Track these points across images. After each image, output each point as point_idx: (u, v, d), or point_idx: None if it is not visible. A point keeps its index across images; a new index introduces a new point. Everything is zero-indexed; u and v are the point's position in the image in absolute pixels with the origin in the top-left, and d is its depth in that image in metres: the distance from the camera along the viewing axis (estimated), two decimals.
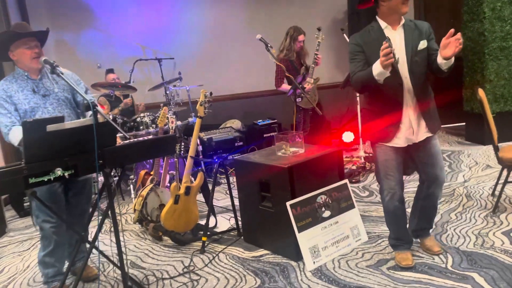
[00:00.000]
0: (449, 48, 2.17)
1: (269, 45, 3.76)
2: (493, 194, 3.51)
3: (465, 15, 5.16)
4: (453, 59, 2.25)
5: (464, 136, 5.50)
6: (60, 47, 5.63)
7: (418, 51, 2.35)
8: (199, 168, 4.80)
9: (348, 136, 5.64)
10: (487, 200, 3.45)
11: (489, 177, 3.99)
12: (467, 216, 3.19)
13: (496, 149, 3.19)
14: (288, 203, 2.67)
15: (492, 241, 2.76)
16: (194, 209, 3.29)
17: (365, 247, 2.87)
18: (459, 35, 2.16)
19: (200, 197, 3.79)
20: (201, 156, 4.79)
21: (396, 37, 2.34)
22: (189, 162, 3.21)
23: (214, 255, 2.99)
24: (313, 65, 4.45)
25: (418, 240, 2.79)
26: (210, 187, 3.36)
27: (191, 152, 3.21)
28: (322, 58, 4.55)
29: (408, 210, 2.76)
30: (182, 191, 3.20)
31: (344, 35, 4.97)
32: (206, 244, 3.11)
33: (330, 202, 2.87)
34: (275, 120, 5.57)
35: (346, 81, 5.17)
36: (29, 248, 3.48)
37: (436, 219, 3.16)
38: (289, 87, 4.37)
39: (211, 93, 3.27)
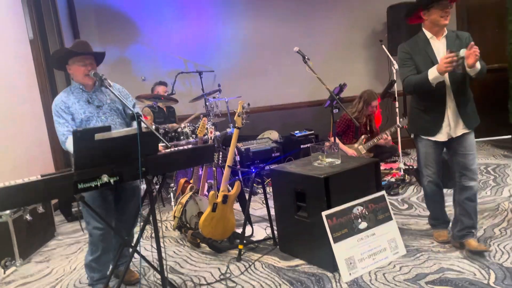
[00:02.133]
0: (470, 58, 2.50)
1: (306, 57, 3.81)
2: None
3: (510, 25, 5.00)
4: (478, 66, 2.57)
5: (510, 149, 5.28)
6: (109, 61, 5.93)
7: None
8: (237, 178, 4.89)
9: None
10: None
11: None
12: None
13: None
14: (323, 213, 2.68)
15: None
16: (231, 218, 3.36)
17: (403, 261, 2.82)
18: (474, 47, 2.49)
19: (237, 206, 3.86)
20: (238, 166, 4.88)
21: (440, 46, 2.73)
22: (226, 171, 3.29)
23: (250, 263, 3.03)
24: (375, 140, 4.52)
25: (465, 244, 2.86)
26: (247, 196, 3.42)
27: (229, 162, 3.29)
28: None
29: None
30: (219, 199, 3.28)
31: (383, 46, 4.94)
32: (242, 252, 3.16)
33: (366, 213, 2.85)
34: (312, 131, 5.58)
35: (385, 92, 5.13)
36: (76, 252, 3.66)
37: (479, 234, 3.07)
38: (345, 147, 4.49)
39: (248, 104, 3.35)
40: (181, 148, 2.51)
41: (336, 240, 2.68)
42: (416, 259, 2.83)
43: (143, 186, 3.99)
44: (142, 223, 2.56)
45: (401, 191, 4.28)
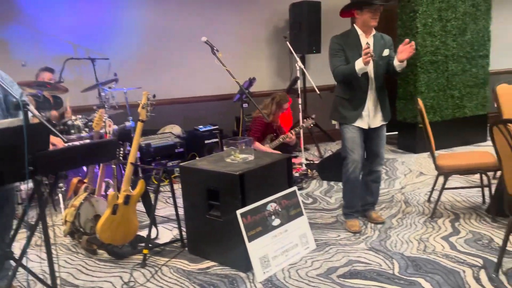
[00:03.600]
0: (404, 53, 2.82)
1: (215, 48, 3.65)
2: (429, 200, 3.67)
3: (399, 29, 5.43)
4: (405, 62, 2.92)
5: (397, 145, 5.76)
6: None
7: (382, 56, 3.01)
8: (139, 176, 4.53)
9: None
10: (424, 206, 3.60)
11: (423, 184, 4.18)
12: (408, 221, 3.30)
13: (434, 157, 3.34)
14: (238, 212, 2.56)
15: (433, 246, 2.85)
16: (133, 220, 3.05)
17: (313, 255, 2.84)
18: (413, 43, 2.81)
19: (139, 206, 3.55)
20: (139, 163, 4.53)
21: (368, 43, 2.99)
22: (129, 169, 2.98)
23: (157, 268, 2.78)
24: (280, 139, 4.47)
25: (366, 215, 3.33)
26: (152, 195, 3.15)
27: (132, 159, 2.99)
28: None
29: None
30: (121, 200, 2.96)
31: (287, 43, 5.00)
32: (147, 257, 2.89)
33: (279, 210, 2.80)
34: (217, 126, 5.44)
35: (290, 88, 5.21)
36: None
37: (379, 225, 3.24)
38: (262, 146, 4.41)
39: (154, 96, 3.08)
40: (78, 143, 2.17)
41: (250, 238, 2.58)
42: (326, 253, 2.87)
43: (24, 187, 3.46)
44: (24, 231, 2.16)
45: (305, 186, 4.37)
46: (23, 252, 2.08)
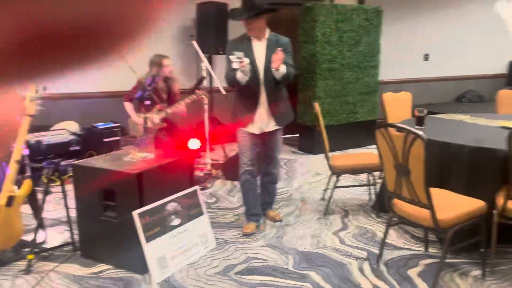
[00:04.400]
0: (274, 62, 2.83)
1: None
2: (323, 199, 3.92)
3: (301, 37, 5.71)
4: (282, 70, 2.88)
5: (297, 146, 6.05)
6: None
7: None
8: (25, 175, 4.15)
9: (194, 143, 5.62)
10: (318, 203, 3.83)
11: (319, 183, 4.45)
12: (303, 218, 3.48)
13: (327, 158, 3.57)
14: (135, 212, 2.48)
15: (325, 241, 3.05)
16: (17, 223, 2.79)
17: (213, 254, 2.86)
18: (279, 53, 2.81)
19: (26, 208, 3.26)
20: (27, 161, 4.14)
21: (260, 48, 2.96)
22: (13, 168, 2.71)
23: (43, 275, 2.58)
24: (169, 110, 4.19)
25: (265, 213, 3.40)
26: (40, 196, 2.91)
27: (16, 156, 2.73)
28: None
29: None
30: (2, 202, 2.68)
31: (193, 42, 4.97)
32: (32, 263, 2.67)
33: (180, 209, 2.77)
34: (119, 124, 5.20)
35: (195, 88, 5.17)
36: None
37: (277, 223, 3.37)
38: (132, 111, 4.18)
39: (44, 88, 2.85)
40: None
41: (148, 239, 2.52)
42: (225, 251, 2.91)
43: None
44: None
45: (209, 185, 4.38)
46: None
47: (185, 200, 2.82)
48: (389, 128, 2.32)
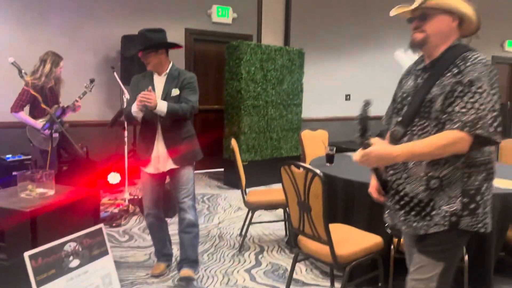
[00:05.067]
0: (137, 101, 2.67)
1: (23, 71, 3.33)
2: (240, 234, 3.90)
3: (227, 73, 5.84)
4: (159, 109, 2.68)
5: (223, 181, 6.04)
6: None
7: (171, 97, 2.81)
8: None
9: (114, 177, 5.42)
10: (235, 240, 3.80)
11: (239, 218, 4.44)
12: (218, 256, 3.43)
13: (244, 193, 3.59)
14: (26, 254, 2.29)
15: (236, 279, 3.02)
16: None
17: None
18: (144, 93, 2.63)
19: None
20: None
21: (159, 82, 2.86)
22: None
23: None
24: (70, 112, 4.08)
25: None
26: None
27: None
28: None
29: None
30: None
31: (115, 73, 4.87)
32: None
33: (80, 249, 2.61)
34: (30, 157, 4.87)
35: (115, 120, 5.04)
36: None
37: None
38: (29, 118, 3.94)
39: None
40: None
41: (40, 283, 2.32)
42: None
43: None
44: None
45: (124, 222, 4.20)
46: None
47: (87, 239, 2.66)
48: (292, 165, 2.39)
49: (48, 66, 3.99)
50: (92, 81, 4.23)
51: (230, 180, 5.90)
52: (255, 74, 5.70)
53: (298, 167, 2.32)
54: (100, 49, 5.82)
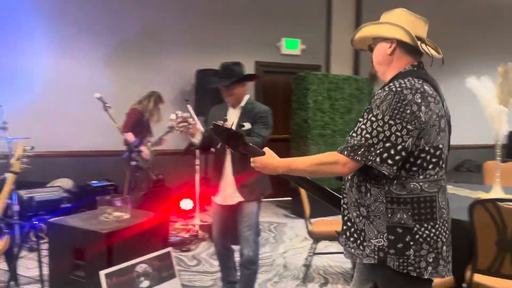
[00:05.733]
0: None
1: (107, 104, 3.70)
2: (305, 265, 3.87)
3: (294, 104, 5.94)
4: (194, 139, 2.81)
5: (290, 210, 6.04)
6: None
7: (242, 130, 2.70)
8: (14, 231, 4.20)
9: (186, 204, 5.68)
10: (300, 270, 3.77)
11: (305, 248, 4.40)
12: (281, 285, 3.43)
13: (308, 223, 3.58)
14: (102, 272, 2.49)
15: None
16: None
17: None
18: (180, 122, 2.71)
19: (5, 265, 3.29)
20: (16, 217, 4.22)
21: (234, 115, 2.91)
22: None
23: None
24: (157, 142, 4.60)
25: None
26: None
27: None
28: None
29: None
30: None
31: (188, 105, 5.19)
32: None
33: (150, 271, 2.77)
34: (112, 183, 5.31)
35: (187, 149, 5.32)
36: None
37: None
38: (133, 138, 4.36)
39: (32, 147, 2.99)
40: None
41: None
42: None
43: None
44: None
45: (193, 247, 4.37)
46: None
47: (156, 261, 2.83)
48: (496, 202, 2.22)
49: (151, 104, 4.68)
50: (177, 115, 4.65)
51: (297, 209, 5.87)
52: (322, 103, 5.73)
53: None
54: (176, 83, 6.25)
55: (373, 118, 1.51)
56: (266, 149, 1.74)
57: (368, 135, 1.51)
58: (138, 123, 4.55)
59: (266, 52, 6.70)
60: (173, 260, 2.97)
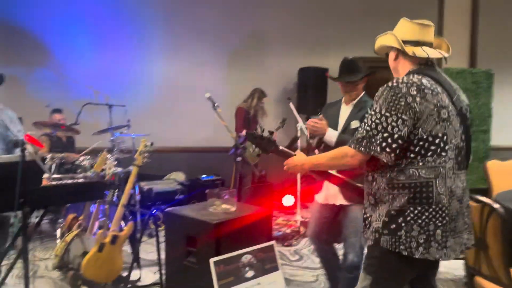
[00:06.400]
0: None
1: (216, 104, 3.93)
2: None
3: None
4: (327, 139, 2.70)
5: None
6: (8, 82, 5.54)
7: (350, 128, 2.70)
8: (137, 218, 4.71)
9: (288, 200, 5.78)
10: None
11: None
12: None
13: None
14: (211, 260, 2.67)
15: None
16: (118, 260, 3.20)
17: None
18: (312, 121, 2.72)
19: (129, 248, 3.71)
20: (138, 206, 4.72)
21: (345, 111, 2.82)
22: (119, 210, 3.17)
23: None
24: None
25: None
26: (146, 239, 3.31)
27: (123, 200, 3.19)
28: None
29: None
30: (108, 239, 3.13)
31: (290, 104, 5.26)
32: None
33: (254, 262, 2.90)
34: (220, 177, 5.64)
35: (290, 146, 5.40)
36: None
37: None
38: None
39: (152, 143, 3.32)
40: (68, 181, 2.40)
41: (221, 287, 2.68)
42: None
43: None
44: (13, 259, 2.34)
45: (295, 243, 4.44)
46: (3, 279, 2.25)
47: (260, 253, 2.94)
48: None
49: (255, 101, 5.04)
50: (284, 120, 4.70)
51: None
52: None
53: (478, 201, 2.13)
54: (279, 82, 6.38)
55: (372, 112, 1.70)
56: (298, 151, 1.96)
57: (368, 128, 1.68)
58: (245, 120, 4.81)
59: (371, 48, 6.49)
60: (276, 254, 3.06)
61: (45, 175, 2.27)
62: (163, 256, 3.21)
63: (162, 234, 4.03)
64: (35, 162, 2.11)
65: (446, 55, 1.85)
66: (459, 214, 1.72)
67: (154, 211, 4.73)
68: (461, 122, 1.74)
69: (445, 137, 1.66)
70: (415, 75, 1.72)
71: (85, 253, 3.35)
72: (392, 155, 1.64)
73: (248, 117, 4.92)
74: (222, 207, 3.01)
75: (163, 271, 3.20)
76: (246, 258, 2.86)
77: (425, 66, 1.80)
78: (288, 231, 4.68)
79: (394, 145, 1.64)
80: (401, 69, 1.85)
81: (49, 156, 4.00)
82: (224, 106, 4.46)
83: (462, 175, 1.76)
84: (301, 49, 6.36)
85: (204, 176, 5.63)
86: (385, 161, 1.66)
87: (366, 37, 6.43)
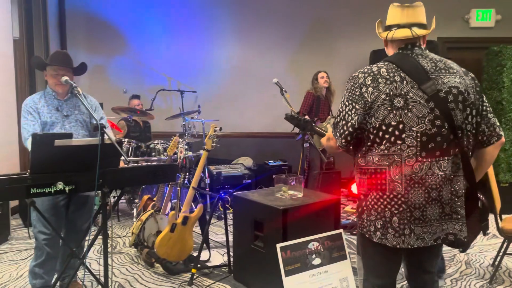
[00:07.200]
0: None
1: (283, 89, 3.89)
2: (493, 265, 3.42)
3: (484, 82, 5.21)
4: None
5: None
6: (92, 70, 5.94)
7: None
8: (206, 201, 4.86)
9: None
10: (486, 270, 3.36)
11: (492, 247, 3.89)
12: (463, 283, 3.11)
13: (499, 219, 3.14)
14: (278, 245, 2.67)
15: None
16: (189, 240, 3.32)
17: None
18: None
19: (198, 229, 3.84)
20: (207, 189, 4.86)
21: None
22: (190, 192, 3.28)
23: None
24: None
25: None
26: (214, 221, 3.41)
27: (194, 183, 3.29)
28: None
29: None
30: (179, 220, 3.25)
31: None
32: (195, 277, 3.12)
33: (322, 250, 2.86)
34: (286, 163, 5.62)
35: None
36: (26, 258, 3.55)
37: None
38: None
39: (220, 128, 3.38)
40: (142, 164, 2.51)
41: (287, 273, 2.67)
42: None
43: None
44: (93, 236, 2.51)
45: None
46: (85, 253, 2.43)
47: (328, 241, 2.89)
48: None
49: (314, 82, 5.15)
50: None
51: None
52: None
53: None
54: (351, 64, 6.17)
55: (341, 101, 1.76)
56: (329, 127, 1.97)
57: (336, 115, 1.79)
58: (314, 105, 4.80)
59: (451, 27, 6.03)
60: (345, 242, 2.99)
61: (122, 158, 2.39)
62: (231, 238, 3.29)
63: (230, 217, 4.15)
64: (113, 146, 2.22)
65: (423, 32, 1.76)
66: (432, 202, 1.64)
67: (223, 194, 4.85)
68: (436, 107, 1.63)
69: (400, 125, 1.63)
70: (381, 63, 1.74)
71: (158, 232, 3.53)
72: (343, 141, 1.73)
73: (317, 101, 4.89)
74: (289, 193, 2.99)
75: (231, 254, 3.27)
76: (313, 246, 2.83)
77: (403, 50, 1.76)
78: (355, 219, 4.55)
79: (346, 132, 1.72)
80: (388, 55, 1.86)
81: (126, 140, 4.24)
82: (292, 91, 4.40)
83: (444, 162, 1.63)
84: (373, 32, 6.07)
85: (270, 161, 5.65)
86: (340, 147, 1.77)
87: (451, 13, 6.02)
